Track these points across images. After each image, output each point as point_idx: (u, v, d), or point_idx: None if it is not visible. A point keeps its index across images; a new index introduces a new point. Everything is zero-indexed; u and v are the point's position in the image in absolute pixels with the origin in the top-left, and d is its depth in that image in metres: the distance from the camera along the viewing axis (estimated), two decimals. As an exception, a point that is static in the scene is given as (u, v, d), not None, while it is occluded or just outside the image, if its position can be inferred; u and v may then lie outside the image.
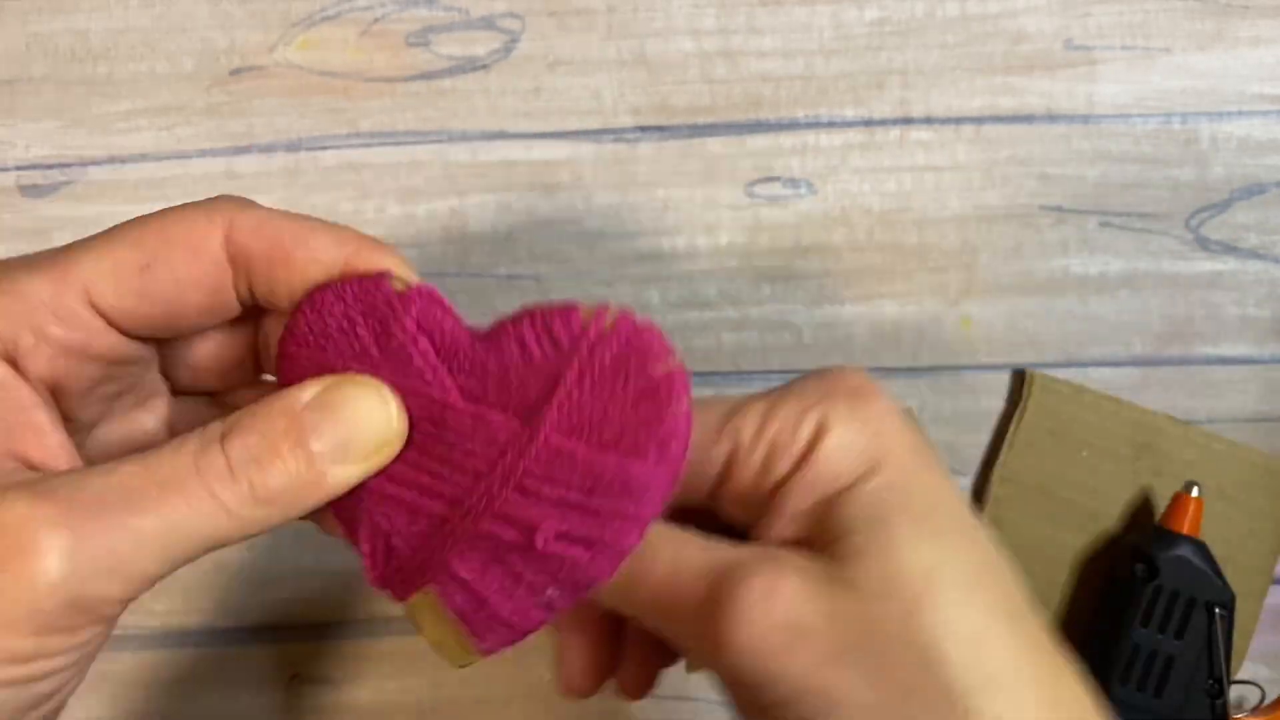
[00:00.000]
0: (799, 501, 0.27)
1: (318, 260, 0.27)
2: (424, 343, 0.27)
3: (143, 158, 0.45)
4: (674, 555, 0.27)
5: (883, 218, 0.45)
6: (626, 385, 0.26)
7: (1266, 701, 0.45)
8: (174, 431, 0.30)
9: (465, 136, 0.45)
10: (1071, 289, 0.45)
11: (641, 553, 0.26)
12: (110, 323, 0.26)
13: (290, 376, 0.28)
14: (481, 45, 0.45)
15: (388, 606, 0.45)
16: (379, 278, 0.27)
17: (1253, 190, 0.45)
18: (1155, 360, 0.45)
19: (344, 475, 0.26)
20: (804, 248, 0.45)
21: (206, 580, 0.45)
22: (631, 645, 0.31)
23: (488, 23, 0.45)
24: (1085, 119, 0.45)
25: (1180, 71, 0.45)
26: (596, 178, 0.45)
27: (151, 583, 0.24)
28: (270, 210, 0.27)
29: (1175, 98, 0.45)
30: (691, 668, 0.33)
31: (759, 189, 0.45)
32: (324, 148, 0.45)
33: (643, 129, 0.45)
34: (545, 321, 0.26)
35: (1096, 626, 0.44)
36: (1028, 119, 0.45)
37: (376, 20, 0.45)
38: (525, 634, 0.27)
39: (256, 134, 0.45)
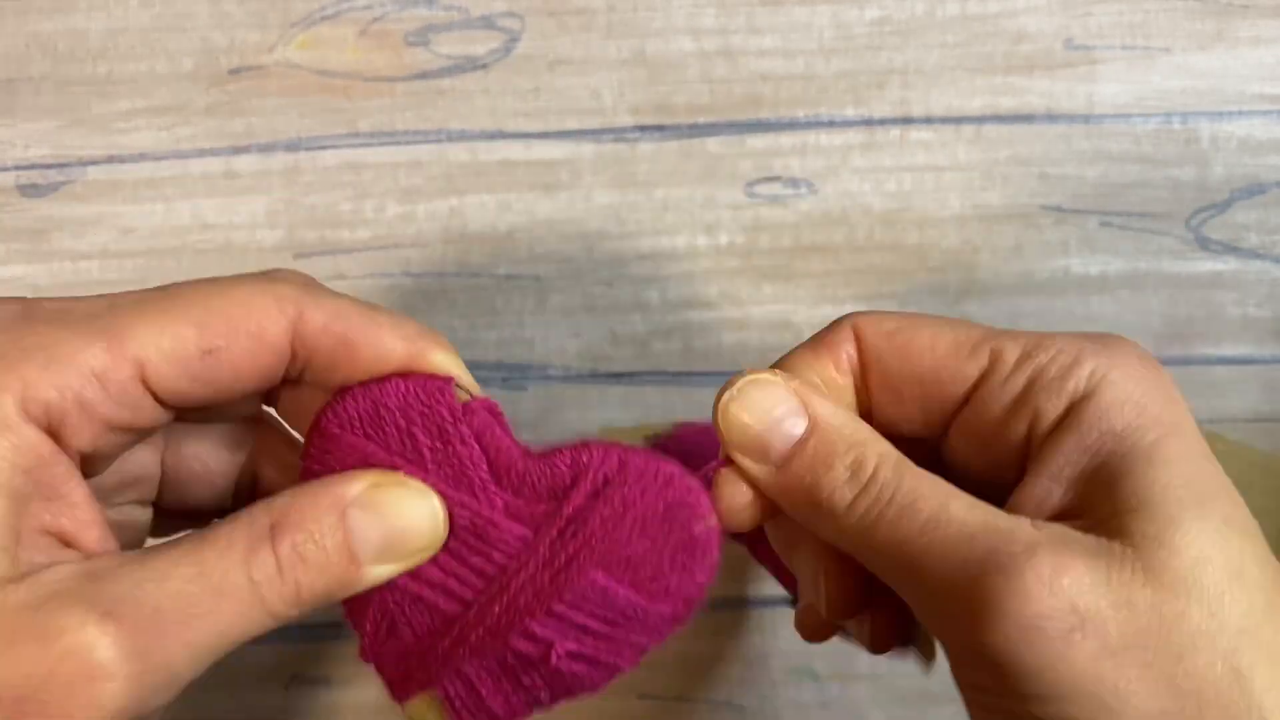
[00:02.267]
0: (1073, 460, 0.24)
1: (381, 358, 0.27)
2: (478, 455, 0.27)
3: (141, 157, 0.45)
4: (938, 507, 0.23)
5: (883, 218, 0.45)
6: (669, 536, 0.27)
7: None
8: (168, 462, 0.30)
9: (465, 136, 0.45)
10: (1072, 289, 0.45)
11: (895, 494, 0.24)
12: (157, 399, 0.26)
13: (325, 456, 0.28)
14: (481, 45, 0.45)
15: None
16: (444, 383, 0.27)
17: (1253, 190, 0.45)
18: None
19: (380, 574, 0.26)
20: (804, 248, 0.45)
21: (205, 581, 0.45)
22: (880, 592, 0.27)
23: (487, 22, 0.45)
24: (1085, 119, 0.45)
25: (1180, 71, 0.45)
26: (596, 177, 0.45)
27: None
28: (337, 299, 0.27)
29: (1175, 98, 0.45)
30: (925, 653, 0.29)
31: (759, 189, 0.45)
32: (323, 147, 0.45)
33: (642, 128, 0.45)
34: (603, 458, 0.27)
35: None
36: (1028, 119, 0.45)
37: (376, 20, 0.45)
38: None
39: (256, 134, 0.45)
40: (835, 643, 0.43)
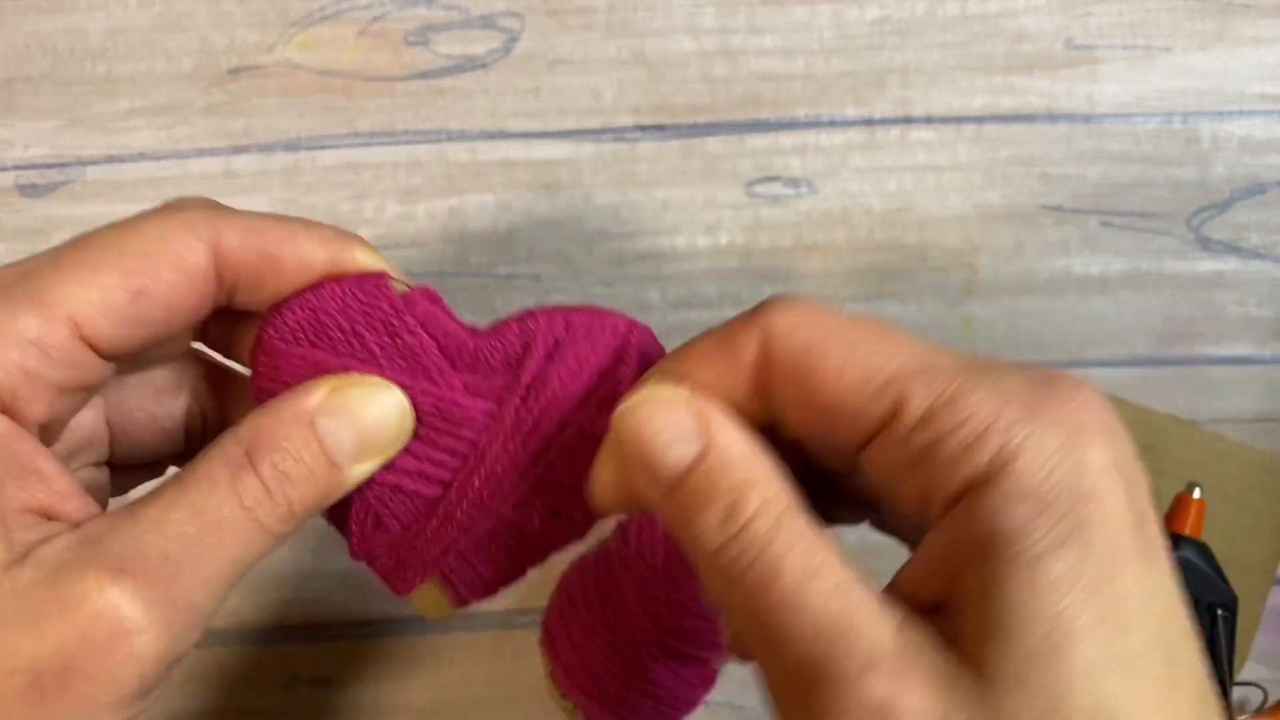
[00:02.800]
0: (953, 554, 0.21)
1: (306, 265, 0.27)
2: (428, 342, 0.27)
3: (141, 157, 0.45)
4: (796, 587, 0.21)
5: (883, 217, 0.45)
6: (622, 371, 0.28)
7: (1269, 703, 0.45)
8: (112, 419, 0.29)
9: (464, 136, 0.45)
10: (1073, 289, 0.45)
11: (761, 554, 0.22)
12: (99, 353, 0.25)
13: (275, 371, 0.27)
14: (481, 44, 0.45)
15: (387, 607, 0.44)
16: (378, 279, 0.27)
17: (1254, 190, 0.45)
18: (1157, 360, 0.45)
19: (361, 473, 0.26)
20: (804, 248, 0.45)
21: (205, 581, 0.45)
22: None
23: (487, 22, 0.45)
24: (1086, 119, 0.45)
25: (1181, 71, 0.45)
26: (596, 177, 0.45)
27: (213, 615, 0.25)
28: (247, 215, 0.27)
29: (1176, 97, 0.45)
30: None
31: (759, 188, 0.45)
32: (323, 147, 0.45)
33: (643, 128, 0.45)
34: (549, 322, 0.28)
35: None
36: (1029, 119, 0.45)
37: (376, 19, 0.45)
38: (500, 590, 0.29)
39: (255, 133, 0.45)
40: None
